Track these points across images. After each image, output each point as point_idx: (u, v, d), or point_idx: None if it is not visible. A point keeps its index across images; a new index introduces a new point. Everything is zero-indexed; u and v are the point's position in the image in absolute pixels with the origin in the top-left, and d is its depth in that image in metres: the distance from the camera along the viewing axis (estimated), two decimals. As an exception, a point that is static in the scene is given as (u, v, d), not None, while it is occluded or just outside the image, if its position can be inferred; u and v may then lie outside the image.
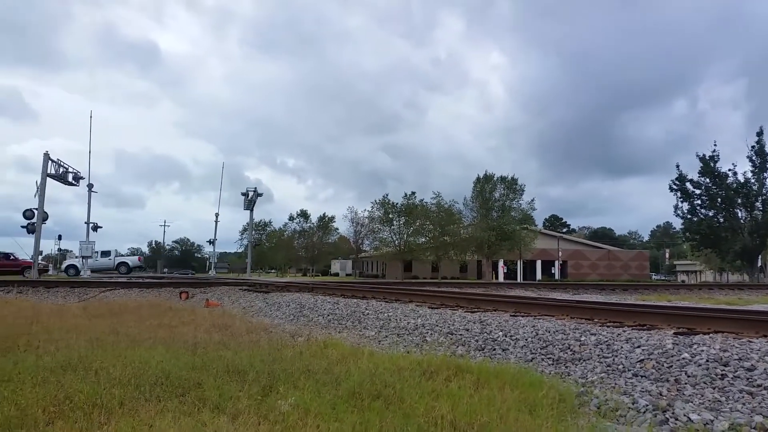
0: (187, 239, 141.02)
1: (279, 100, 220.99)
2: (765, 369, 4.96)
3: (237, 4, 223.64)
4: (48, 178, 32.95)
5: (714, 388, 4.84)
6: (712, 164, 50.04)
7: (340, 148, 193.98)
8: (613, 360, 6.02)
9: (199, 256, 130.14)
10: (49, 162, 32.92)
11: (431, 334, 8.82)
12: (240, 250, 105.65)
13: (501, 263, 61.84)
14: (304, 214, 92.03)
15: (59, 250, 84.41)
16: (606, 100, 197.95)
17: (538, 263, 72.09)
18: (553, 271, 72.03)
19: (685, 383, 5.05)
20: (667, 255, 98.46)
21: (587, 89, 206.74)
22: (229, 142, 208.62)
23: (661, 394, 4.88)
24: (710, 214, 51.28)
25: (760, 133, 49.18)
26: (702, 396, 4.74)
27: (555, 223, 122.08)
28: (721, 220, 50.87)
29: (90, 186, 38.61)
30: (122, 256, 53.44)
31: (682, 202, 51.90)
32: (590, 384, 5.45)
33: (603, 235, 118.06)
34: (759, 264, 52.42)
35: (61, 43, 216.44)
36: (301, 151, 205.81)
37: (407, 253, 61.97)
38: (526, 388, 4.81)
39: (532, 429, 3.77)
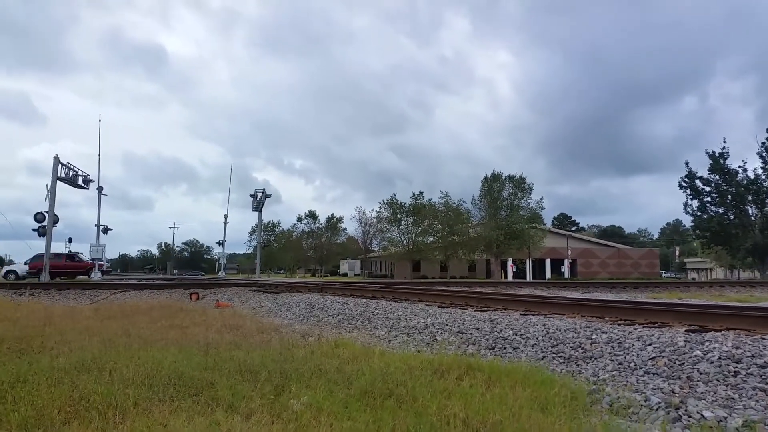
0: (197, 241, 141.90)
1: (285, 101, 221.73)
2: (778, 366, 4.94)
3: (243, 6, 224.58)
4: (58, 182, 33.15)
5: (727, 386, 4.82)
6: (722, 161, 49.66)
7: (347, 149, 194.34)
8: (625, 358, 6.00)
9: (209, 257, 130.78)
10: (59, 165, 33.12)
11: (441, 333, 8.82)
12: (249, 251, 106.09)
13: (510, 262, 61.68)
14: (312, 215, 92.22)
15: (70, 252, 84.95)
16: (614, 98, 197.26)
17: (548, 262, 71.84)
18: (562, 270, 71.77)
19: (698, 380, 5.04)
20: (677, 253, 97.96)
21: (595, 87, 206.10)
22: (237, 143, 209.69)
23: (673, 392, 4.87)
24: (720, 211, 50.90)
25: (770, 129, 48.73)
26: (715, 393, 4.72)
27: (564, 221, 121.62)
28: (732, 217, 50.49)
29: (100, 189, 38.77)
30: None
31: (692, 199, 51.56)
32: (602, 382, 5.45)
33: (612, 234, 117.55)
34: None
35: (69, 47, 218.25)
36: (309, 152, 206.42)
37: (416, 252, 61.88)
38: (538, 387, 4.81)
39: (545, 427, 3.77)
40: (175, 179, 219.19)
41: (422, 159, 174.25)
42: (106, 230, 40.11)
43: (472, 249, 59.31)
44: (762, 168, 48.96)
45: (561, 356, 6.63)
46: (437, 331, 8.96)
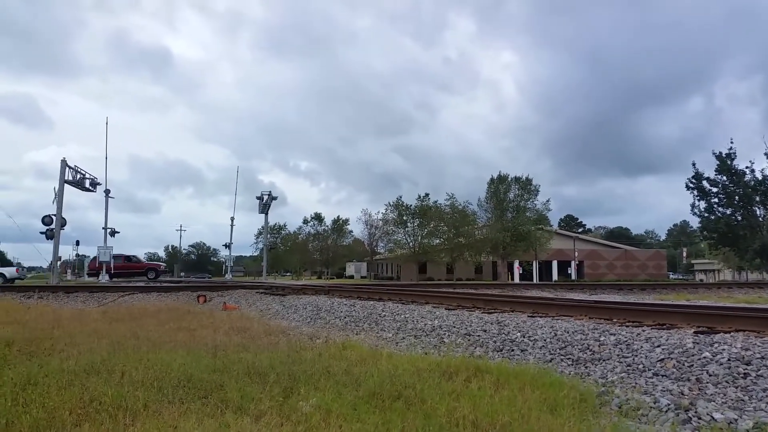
0: (203, 243, 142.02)
1: (290, 103, 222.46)
2: (788, 367, 4.92)
3: (247, 8, 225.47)
4: (65, 185, 33.33)
5: (737, 387, 4.80)
6: (729, 162, 49.37)
7: (352, 151, 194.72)
8: (633, 360, 5.99)
9: (215, 260, 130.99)
10: (67, 168, 33.30)
11: (449, 335, 8.82)
12: (255, 254, 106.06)
13: (516, 264, 61.53)
14: (318, 217, 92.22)
15: (77, 255, 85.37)
16: (620, 98, 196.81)
17: (554, 264, 71.67)
18: (569, 272, 71.59)
19: (707, 382, 5.02)
20: (684, 254, 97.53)
21: (601, 87, 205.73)
22: (242, 146, 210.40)
23: (682, 394, 4.85)
24: (728, 212, 50.59)
25: (778, 130, 48.41)
26: (725, 395, 4.70)
27: (570, 223, 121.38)
28: (739, 218, 50.18)
29: (107, 192, 38.98)
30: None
31: (699, 200, 51.25)
32: (611, 384, 5.43)
33: (619, 235, 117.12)
34: (779, 262, 51.68)
35: (75, 50, 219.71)
36: (314, 154, 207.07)
37: (422, 254, 61.83)
38: (547, 389, 4.81)
39: (554, 428, 3.77)
40: (181, 182, 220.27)
41: (427, 160, 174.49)
42: (113, 233, 40.33)
43: (478, 251, 59.27)
44: (770, 168, 48.62)
45: (569, 358, 6.62)
46: (445, 333, 8.95)
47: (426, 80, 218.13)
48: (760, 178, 48.73)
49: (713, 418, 4.15)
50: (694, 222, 58.49)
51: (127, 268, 40.20)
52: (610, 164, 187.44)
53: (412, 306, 12.31)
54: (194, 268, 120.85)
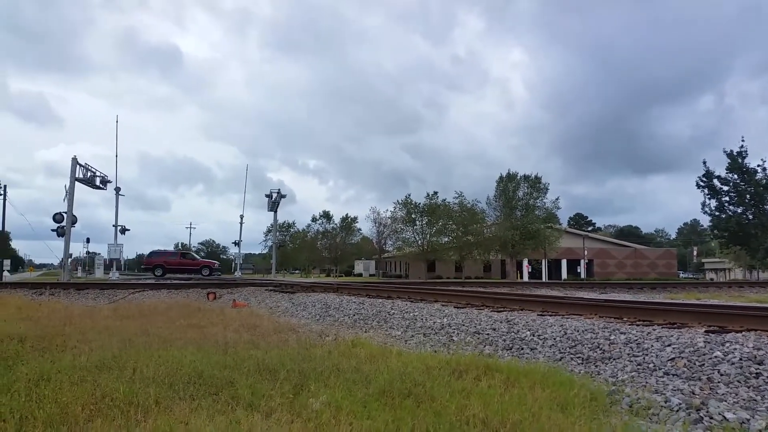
0: (213, 241, 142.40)
1: (299, 101, 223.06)
2: (801, 367, 4.88)
3: (256, 6, 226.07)
4: (76, 182, 33.52)
5: (749, 387, 4.77)
6: (740, 160, 48.98)
7: (360, 149, 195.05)
8: (644, 359, 5.96)
9: (225, 257, 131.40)
10: (77, 166, 33.50)
11: (458, 333, 8.81)
12: (264, 251, 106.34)
13: (525, 262, 61.34)
14: (326, 215, 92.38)
15: (87, 252, 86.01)
16: (630, 96, 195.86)
17: (564, 262, 71.41)
18: (578, 270, 71.32)
19: (719, 382, 4.99)
20: (695, 253, 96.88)
21: (610, 85, 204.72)
22: (251, 144, 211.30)
23: (694, 393, 4.83)
24: (739, 210, 50.20)
25: (790, 128, 47.99)
26: (736, 395, 4.68)
27: (580, 221, 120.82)
28: (750, 216, 49.78)
29: (117, 189, 39.16)
30: None
31: (709, 199, 50.89)
32: (621, 383, 5.41)
33: (629, 234, 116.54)
34: (791, 261, 51.23)
35: (84, 49, 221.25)
36: (322, 152, 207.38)
37: (430, 253, 61.77)
38: (557, 387, 4.80)
39: (565, 427, 3.76)
40: (190, 180, 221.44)
41: (435, 159, 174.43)
42: (123, 230, 40.48)
43: (487, 249, 59.09)
44: (781, 167, 48.21)
45: (579, 357, 6.60)
46: (454, 332, 8.95)
47: (435, 78, 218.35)
48: (771, 176, 48.30)
49: (725, 417, 4.12)
50: (705, 221, 58.07)
51: (182, 264, 40.60)
52: (620, 163, 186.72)
53: (420, 304, 12.31)
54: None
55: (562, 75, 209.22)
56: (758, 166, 48.95)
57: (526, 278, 57.14)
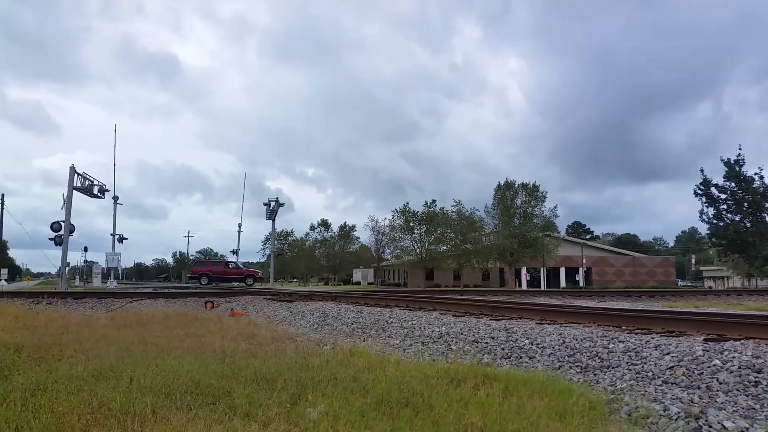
0: (211, 249, 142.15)
1: (297, 109, 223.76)
2: (800, 375, 4.87)
3: (254, 15, 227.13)
4: (74, 191, 33.50)
5: (747, 396, 4.76)
6: (737, 168, 49.07)
7: (359, 157, 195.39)
8: (643, 367, 5.95)
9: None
10: (75, 175, 33.49)
11: (456, 342, 8.79)
12: (262, 260, 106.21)
13: (524, 271, 61.38)
14: (324, 224, 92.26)
15: (85, 261, 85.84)
16: (628, 104, 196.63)
17: (562, 270, 71.43)
18: (577, 279, 71.29)
19: (717, 390, 4.98)
20: (693, 261, 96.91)
21: (608, 93, 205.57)
22: (249, 152, 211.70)
23: (692, 402, 4.82)
24: (737, 218, 50.27)
25: (787, 136, 48.17)
26: (735, 403, 4.67)
27: (578, 229, 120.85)
28: (748, 224, 49.83)
29: (115, 198, 39.24)
30: None
31: (707, 207, 50.94)
32: (620, 391, 5.40)
33: (627, 242, 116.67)
34: (789, 269, 51.23)
35: (82, 57, 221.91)
36: (321, 160, 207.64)
37: (429, 261, 61.84)
38: (556, 396, 4.79)
39: (563, 436, 3.75)
40: (188, 188, 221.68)
41: (434, 167, 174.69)
42: (121, 239, 40.67)
43: (485, 257, 59.12)
44: (779, 175, 48.29)
45: (578, 366, 6.59)
46: (452, 340, 8.93)
47: (433, 86, 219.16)
48: (769, 184, 48.40)
49: (724, 426, 4.11)
50: (703, 229, 58.02)
51: (226, 273, 40.93)
52: (618, 171, 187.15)
53: (419, 313, 12.29)
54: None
55: (560, 83, 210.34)
56: (755, 174, 49.08)
57: (524, 286, 57.13)
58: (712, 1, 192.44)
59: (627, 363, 6.19)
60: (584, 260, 69.15)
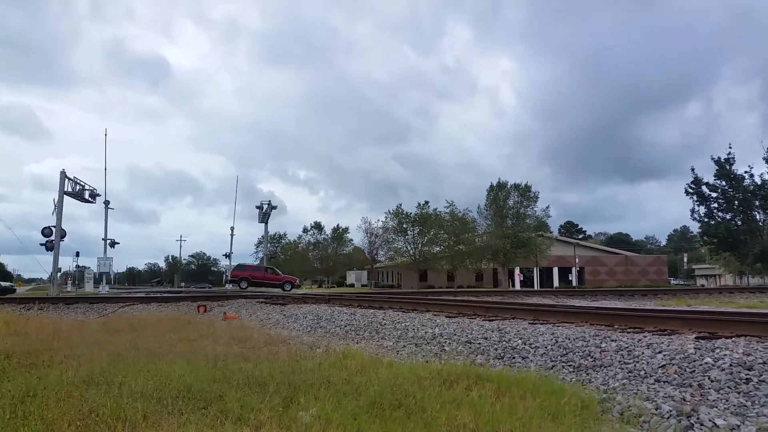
0: (203, 253, 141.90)
1: (289, 111, 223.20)
2: (790, 372, 4.89)
3: (244, 17, 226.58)
4: (65, 196, 33.33)
5: (739, 393, 4.78)
6: (727, 167, 49.37)
7: (351, 159, 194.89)
8: (635, 366, 5.96)
9: (216, 269, 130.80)
10: (66, 180, 33.32)
11: (449, 343, 8.79)
12: (255, 263, 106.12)
13: (517, 271, 61.49)
14: (317, 226, 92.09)
15: (77, 266, 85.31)
16: (619, 104, 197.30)
17: (555, 270, 71.61)
18: (570, 278, 71.53)
19: (709, 388, 5.00)
20: (685, 259, 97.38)
21: (599, 93, 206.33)
22: (241, 155, 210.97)
23: (684, 400, 4.83)
24: (728, 217, 50.57)
25: (776, 134, 48.54)
26: (727, 401, 4.68)
27: (570, 229, 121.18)
28: (739, 222, 50.13)
29: (107, 203, 39.05)
30: None
31: (698, 205, 51.20)
32: (612, 390, 5.41)
33: (620, 241, 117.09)
34: (779, 266, 51.54)
35: (72, 61, 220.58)
36: (313, 163, 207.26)
37: (422, 262, 61.77)
38: (548, 396, 4.79)
39: (555, 436, 3.75)
40: (180, 192, 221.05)
41: (426, 168, 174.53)
42: (113, 244, 40.38)
43: (478, 258, 59.15)
44: (768, 173, 48.59)
45: (570, 365, 6.60)
46: (445, 341, 8.92)
47: (425, 88, 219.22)
48: (759, 182, 48.74)
49: (715, 424, 4.13)
50: (695, 227, 58.33)
51: (265, 278, 41.29)
52: (610, 170, 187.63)
53: (412, 314, 12.28)
54: (195, 278, 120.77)
55: (551, 83, 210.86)
56: (745, 172, 49.37)
57: (517, 287, 57.26)
58: (702, 2, 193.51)
59: (619, 362, 6.20)
60: (577, 260, 69.37)
